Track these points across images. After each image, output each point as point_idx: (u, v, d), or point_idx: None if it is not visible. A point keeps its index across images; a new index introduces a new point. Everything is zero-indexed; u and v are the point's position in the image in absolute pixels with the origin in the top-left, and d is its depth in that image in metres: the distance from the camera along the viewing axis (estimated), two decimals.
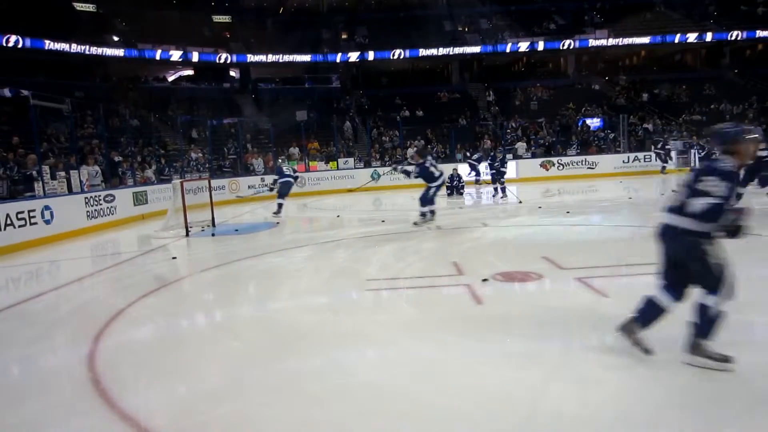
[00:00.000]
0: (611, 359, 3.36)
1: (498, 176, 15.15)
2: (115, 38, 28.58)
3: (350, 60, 32.53)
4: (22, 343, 4.37)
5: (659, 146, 20.75)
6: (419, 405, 2.92)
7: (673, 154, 20.85)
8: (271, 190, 13.59)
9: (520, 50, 32.75)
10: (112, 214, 12.45)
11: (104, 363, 3.73)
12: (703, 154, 18.61)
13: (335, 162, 21.30)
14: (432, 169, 9.86)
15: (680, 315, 3.24)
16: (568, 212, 9.93)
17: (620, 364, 3.28)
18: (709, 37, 31.98)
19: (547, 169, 21.35)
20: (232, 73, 33.85)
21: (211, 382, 3.37)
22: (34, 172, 10.85)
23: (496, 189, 15.11)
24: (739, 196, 10.55)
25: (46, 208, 10.13)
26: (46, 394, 3.33)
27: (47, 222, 10.09)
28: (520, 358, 3.51)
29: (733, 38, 31.74)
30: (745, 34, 31.49)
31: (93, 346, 4.05)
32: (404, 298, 5.18)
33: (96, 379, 3.42)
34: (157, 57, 29.21)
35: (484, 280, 5.32)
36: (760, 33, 31.49)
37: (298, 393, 3.15)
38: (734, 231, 2.98)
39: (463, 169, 18.52)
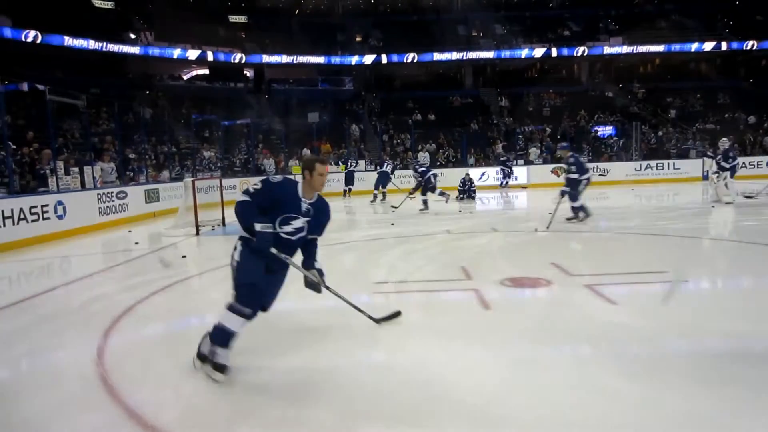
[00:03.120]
0: (621, 367, 3.34)
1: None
2: (133, 36, 28.86)
3: (364, 63, 32.60)
4: (31, 337, 4.41)
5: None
6: (425, 409, 2.92)
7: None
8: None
9: (534, 56, 32.67)
10: (124, 210, 12.54)
11: (113, 359, 3.75)
12: None
13: (345, 164, 21.31)
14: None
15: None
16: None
17: (629, 372, 3.25)
18: (724, 46, 31.78)
19: (558, 176, 21.23)
20: (246, 73, 34.03)
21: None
22: (48, 169, 10.95)
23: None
24: None
25: (59, 203, 10.23)
26: (55, 389, 3.36)
27: (60, 217, 10.19)
28: (528, 364, 3.49)
29: (748, 48, 31.50)
30: (761, 44, 31.24)
31: (102, 342, 4.08)
32: (412, 302, 5.17)
33: (104, 376, 3.45)
34: (175, 56, 29.49)
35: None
36: None
37: (303, 394, 3.15)
38: None
39: (475, 173, 18.50)
